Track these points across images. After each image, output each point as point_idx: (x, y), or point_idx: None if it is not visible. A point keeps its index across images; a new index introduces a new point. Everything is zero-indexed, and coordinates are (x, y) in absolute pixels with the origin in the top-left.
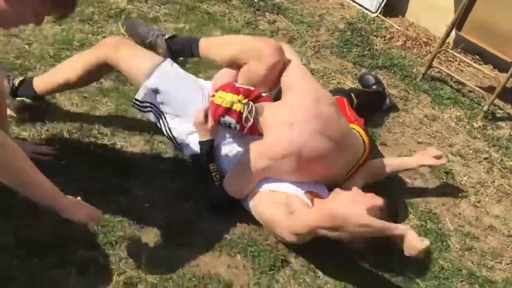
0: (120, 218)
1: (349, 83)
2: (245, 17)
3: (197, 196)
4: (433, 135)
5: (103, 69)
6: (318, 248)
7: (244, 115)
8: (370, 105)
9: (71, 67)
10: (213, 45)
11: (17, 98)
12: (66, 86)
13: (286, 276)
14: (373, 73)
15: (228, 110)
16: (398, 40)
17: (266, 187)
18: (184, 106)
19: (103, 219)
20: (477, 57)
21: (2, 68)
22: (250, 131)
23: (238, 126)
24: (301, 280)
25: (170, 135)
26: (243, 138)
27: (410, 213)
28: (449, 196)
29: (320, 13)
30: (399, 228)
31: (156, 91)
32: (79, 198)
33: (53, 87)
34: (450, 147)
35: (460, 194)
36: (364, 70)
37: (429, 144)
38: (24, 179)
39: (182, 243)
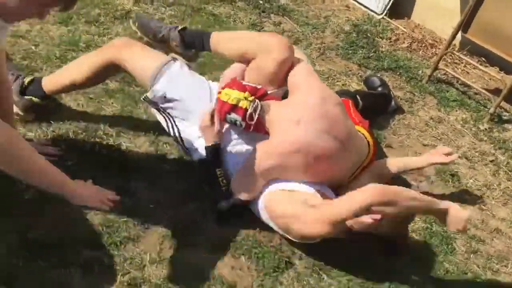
0: (125, 219)
1: (354, 85)
2: (250, 18)
3: (202, 196)
4: (438, 138)
5: (110, 70)
6: (322, 250)
7: (248, 112)
8: (376, 107)
9: (79, 67)
10: (223, 39)
11: (26, 97)
12: (74, 86)
13: (290, 278)
14: (379, 75)
15: (234, 107)
16: (404, 42)
17: (276, 187)
18: (192, 109)
19: (108, 219)
20: (483, 59)
21: (13, 67)
22: (255, 129)
23: (243, 124)
24: (305, 282)
25: (179, 138)
26: (249, 139)
27: (416, 215)
28: (455, 198)
29: (325, 15)
30: (442, 203)
31: (164, 96)
32: (90, 181)
33: (61, 87)
34: (456, 149)
35: (466, 197)
36: (369, 72)
37: (435, 146)
38: (27, 166)
39: (186, 244)
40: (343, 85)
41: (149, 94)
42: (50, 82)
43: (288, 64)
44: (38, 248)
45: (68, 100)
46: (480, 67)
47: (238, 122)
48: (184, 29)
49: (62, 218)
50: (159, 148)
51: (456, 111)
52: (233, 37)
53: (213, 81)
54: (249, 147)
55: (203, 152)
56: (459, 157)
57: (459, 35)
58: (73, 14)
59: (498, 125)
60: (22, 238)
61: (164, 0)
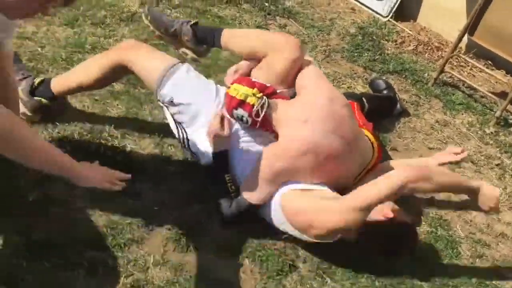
0: (129, 221)
1: (360, 88)
2: (255, 21)
3: (206, 198)
4: (444, 141)
5: (118, 72)
6: (326, 253)
7: (255, 108)
8: (381, 110)
9: (87, 69)
10: (234, 36)
11: (35, 98)
12: (82, 88)
13: (293, 281)
14: (384, 78)
15: (242, 103)
16: (410, 45)
17: (288, 188)
18: (199, 114)
19: (112, 221)
20: (490, 62)
21: (22, 67)
22: (261, 126)
23: (249, 120)
24: (308, 286)
25: (186, 143)
26: (257, 143)
27: (421, 219)
28: (460, 202)
29: (331, 17)
30: (474, 181)
31: (171, 101)
32: (96, 162)
33: (70, 89)
34: None
35: (472, 201)
36: (374, 74)
37: (440, 150)
38: (27, 149)
39: (190, 246)
40: (348, 87)
41: (158, 98)
42: (59, 83)
43: (298, 65)
44: (41, 249)
45: (73, 101)
46: (486, 70)
47: (244, 118)
48: (196, 24)
49: (66, 219)
50: (164, 149)
51: (462, 114)
52: (245, 34)
53: (217, 83)
54: (258, 151)
55: (210, 157)
56: (464, 161)
57: (465, 38)
58: (79, 16)
59: (504, 129)
60: (25, 239)
61: (170, 2)
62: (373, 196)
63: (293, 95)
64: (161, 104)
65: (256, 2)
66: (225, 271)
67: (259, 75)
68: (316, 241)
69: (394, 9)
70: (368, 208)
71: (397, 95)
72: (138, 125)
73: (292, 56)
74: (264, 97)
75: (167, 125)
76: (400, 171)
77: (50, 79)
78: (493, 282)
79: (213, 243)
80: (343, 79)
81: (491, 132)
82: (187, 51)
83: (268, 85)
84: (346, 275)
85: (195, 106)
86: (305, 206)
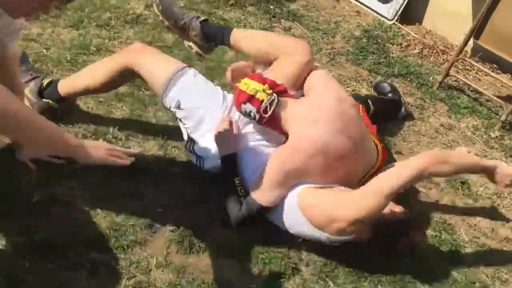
0: (132, 222)
1: (364, 91)
2: (260, 23)
3: (210, 200)
4: (449, 145)
5: (125, 76)
6: (329, 257)
7: (264, 104)
8: (386, 113)
9: (95, 72)
10: (245, 37)
11: (43, 100)
12: (89, 91)
13: (296, 284)
14: (389, 81)
15: (251, 98)
16: (415, 48)
17: (301, 187)
18: (206, 118)
19: (115, 222)
20: (495, 66)
21: (31, 68)
22: (268, 123)
23: (257, 116)
24: None
25: (191, 148)
26: (266, 145)
27: (425, 223)
28: (465, 206)
29: (336, 20)
30: (490, 161)
31: (178, 105)
32: (101, 140)
33: (76, 92)
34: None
35: (476, 205)
36: (379, 77)
37: None
38: (30, 129)
39: (192, 248)
40: (353, 90)
41: (164, 102)
42: (66, 85)
43: (309, 68)
44: (44, 249)
45: (78, 103)
46: (492, 74)
47: (252, 114)
48: (205, 20)
49: (68, 219)
50: (167, 152)
51: (467, 118)
52: (256, 36)
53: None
54: (266, 153)
55: (216, 161)
56: None
57: (471, 42)
58: (84, 18)
59: (509, 133)
60: (28, 240)
61: (175, 4)
62: (395, 182)
63: (301, 97)
64: (168, 109)
65: (261, 4)
66: (227, 274)
67: (269, 76)
68: (334, 238)
69: (400, 12)
70: (390, 194)
71: (402, 98)
72: (142, 127)
73: (303, 60)
74: (274, 94)
75: (171, 127)
76: (419, 157)
77: (58, 80)
78: (497, 287)
79: (216, 245)
80: (347, 82)
81: (496, 136)
82: (193, 45)
83: (279, 83)
84: (348, 279)
85: (202, 110)
86: (324, 200)
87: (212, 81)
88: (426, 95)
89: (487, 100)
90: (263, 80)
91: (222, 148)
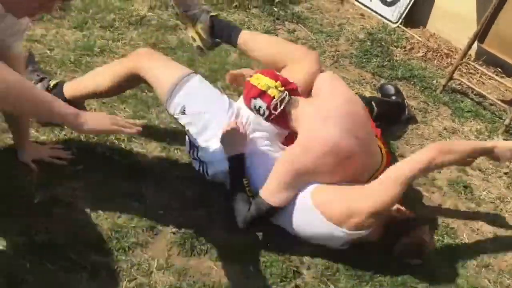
0: (133, 224)
1: (368, 94)
2: (264, 25)
3: (211, 202)
4: None
5: (132, 81)
6: (330, 260)
7: (275, 100)
8: (389, 115)
9: (101, 76)
10: (254, 40)
11: None
12: (95, 95)
13: None
14: (394, 83)
15: (262, 94)
16: (419, 51)
17: (313, 186)
18: (211, 123)
19: (117, 224)
20: (499, 69)
21: (38, 68)
22: (277, 121)
23: (266, 112)
24: None
25: (196, 154)
26: (276, 144)
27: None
28: (467, 211)
29: (340, 22)
30: (487, 142)
31: (183, 110)
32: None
33: (82, 95)
34: None
35: (479, 210)
36: (383, 80)
37: None
38: (29, 100)
39: (194, 251)
40: (356, 93)
41: (169, 108)
42: (72, 88)
43: (317, 76)
44: (45, 250)
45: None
46: (496, 77)
47: (261, 110)
48: (215, 16)
49: (69, 220)
50: (170, 154)
51: (471, 122)
52: (265, 40)
53: (223, 88)
54: (274, 158)
55: (221, 166)
56: (472, 168)
57: (475, 45)
58: (88, 19)
59: None
60: (29, 240)
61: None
62: (408, 173)
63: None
64: (173, 115)
65: (265, 7)
66: (228, 276)
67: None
68: (352, 233)
69: (404, 15)
70: (404, 185)
71: (405, 101)
72: (145, 129)
73: (311, 70)
74: (286, 91)
75: (174, 128)
76: (426, 150)
77: (64, 82)
78: None
79: (217, 248)
80: (351, 85)
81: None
82: (196, 37)
83: (291, 81)
84: (350, 283)
85: (207, 115)
86: (339, 195)
87: (216, 82)
88: (429, 99)
89: (491, 104)
90: (275, 77)
91: (229, 148)
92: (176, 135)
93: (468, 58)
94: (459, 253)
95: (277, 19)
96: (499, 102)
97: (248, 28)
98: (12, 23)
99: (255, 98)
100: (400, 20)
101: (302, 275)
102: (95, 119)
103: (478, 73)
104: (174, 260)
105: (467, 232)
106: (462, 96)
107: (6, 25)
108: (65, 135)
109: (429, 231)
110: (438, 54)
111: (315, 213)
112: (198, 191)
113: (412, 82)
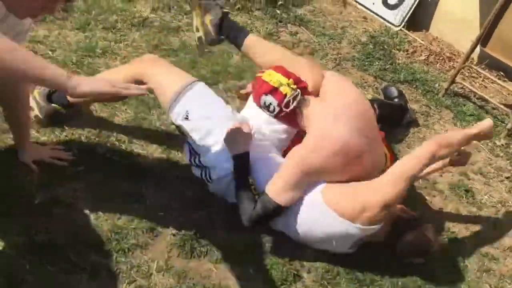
0: (133, 226)
1: (370, 97)
2: (267, 28)
3: (211, 203)
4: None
5: None
6: (331, 264)
7: (287, 98)
8: (391, 117)
9: None
10: (259, 46)
11: (52, 104)
12: (98, 99)
13: None
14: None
15: (274, 90)
16: (421, 55)
17: (322, 185)
18: (214, 129)
19: (117, 225)
20: (502, 73)
21: None
22: (286, 118)
23: (277, 109)
24: None
25: (197, 161)
26: (284, 142)
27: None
28: (469, 215)
29: (342, 25)
30: (472, 128)
31: (186, 116)
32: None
33: (85, 99)
34: (471, 165)
35: (480, 214)
36: (385, 84)
37: None
38: (21, 63)
39: (194, 253)
40: None
41: (171, 115)
42: None
43: (320, 87)
44: (45, 250)
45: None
46: (498, 81)
47: (272, 106)
48: (227, 13)
49: (71, 221)
50: (170, 155)
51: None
52: (271, 49)
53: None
54: (280, 163)
55: (225, 168)
56: (473, 172)
57: (477, 49)
58: (90, 20)
59: None
60: (29, 240)
61: (182, 8)
62: (415, 166)
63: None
64: (175, 123)
65: (267, 9)
66: (228, 279)
67: None
68: (365, 227)
69: (406, 18)
70: (413, 177)
71: (408, 104)
72: (146, 130)
73: (315, 84)
74: (298, 90)
75: (175, 130)
76: (427, 144)
77: None
78: None
79: (217, 250)
80: None
81: (502, 144)
82: (200, 28)
83: (303, 79)
84: (350, 286)
85: (210, 121)
86: (350, 190)
87: (217, 84)
88: (431, 102)
89: (493, 108)
90: (287, 74)
91: (234, 147)
92: (177, 136)
93: (471, 61)
94: (460, 257)
95: (280, 21)
96: (501, 106)
97: (251, 30)
98: (15, 23)
99: (266, 94)
100: (403, 23)
101: (302, 279)
102: (89, 80)
103: (480, 76)
104: (174, 262)
105: (468, 236)
106: (464, 99)
107: (9, 26)
108: (66, 136)
109: (424, 232)
110: (441, 58)
111: (327, 211)
112: (198, 192)
113: (414, 86)
